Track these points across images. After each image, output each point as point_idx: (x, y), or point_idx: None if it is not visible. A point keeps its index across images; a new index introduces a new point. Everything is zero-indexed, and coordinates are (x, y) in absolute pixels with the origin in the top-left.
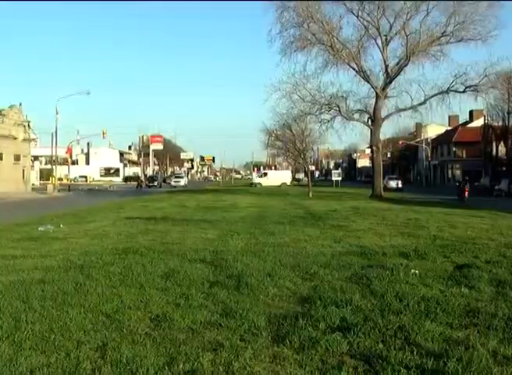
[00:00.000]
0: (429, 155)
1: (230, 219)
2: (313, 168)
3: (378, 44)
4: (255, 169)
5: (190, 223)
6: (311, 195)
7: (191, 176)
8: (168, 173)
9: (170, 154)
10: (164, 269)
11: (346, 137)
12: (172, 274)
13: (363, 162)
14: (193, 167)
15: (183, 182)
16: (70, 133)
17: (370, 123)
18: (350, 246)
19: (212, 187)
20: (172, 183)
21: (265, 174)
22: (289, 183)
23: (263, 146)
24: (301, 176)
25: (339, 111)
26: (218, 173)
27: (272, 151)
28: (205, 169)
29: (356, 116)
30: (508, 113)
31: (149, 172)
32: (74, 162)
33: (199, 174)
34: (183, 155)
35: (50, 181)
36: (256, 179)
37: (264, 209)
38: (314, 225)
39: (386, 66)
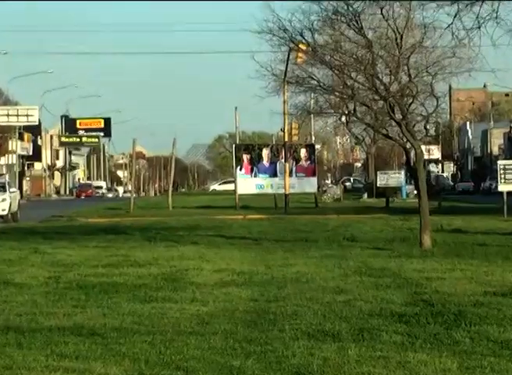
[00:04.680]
0: None
1: (161, 327)
2: (435, 152)
3: None
4: (244, 158)
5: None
6: (427, 244)
7: (32, 184)
8: None
9: None
10: None
11: None
12: None
13: None
14: (34, 156)
15: None
16: None
17: None
18: None
19: (108, 216)
20: None
21: None
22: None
23: (268, 85)
24: (395, 177)
25: None
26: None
27: (295, 102)
28: (80, 160)
29: None
30: None
31: None
32: None
33: (62, 177)
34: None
35: None
36: None
37: (272, 293)
38: (440, 344)
39: None
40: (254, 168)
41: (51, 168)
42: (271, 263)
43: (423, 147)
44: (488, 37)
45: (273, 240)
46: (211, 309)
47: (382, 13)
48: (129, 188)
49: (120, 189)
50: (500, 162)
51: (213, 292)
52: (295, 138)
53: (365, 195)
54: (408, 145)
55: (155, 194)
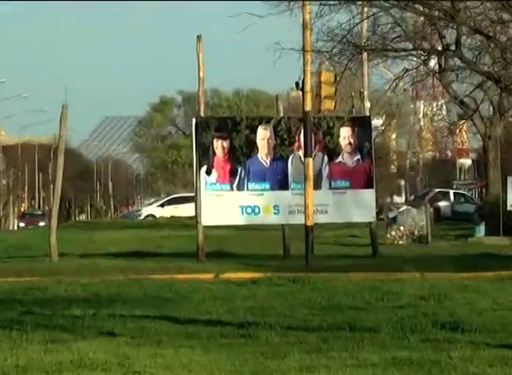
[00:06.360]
0: None
1: None
2: None
3: None
4: (217, 147)
5: None
6: None
7: None
8: None
9: None
10: None
11: None
12: None
13: None
14: None
15: None
16: None
17: None
18: None
19: None
20: None
21: None
22: None
23: None
24: None
25: None
26: None
27: (327, 26)
28: None
29: None
30: None
31: None
32: None
33: None
34: None
35: None
36: None
37: None
38: None
39: None
40: (239, 169)
41: None
42: None
43: None
44: None
45: (280, 327)
46: None
47: None
48: None
49: None
50: None
51: None
52: (328, 104)
53: (481, 229)
54: None
55: (18, 225)
